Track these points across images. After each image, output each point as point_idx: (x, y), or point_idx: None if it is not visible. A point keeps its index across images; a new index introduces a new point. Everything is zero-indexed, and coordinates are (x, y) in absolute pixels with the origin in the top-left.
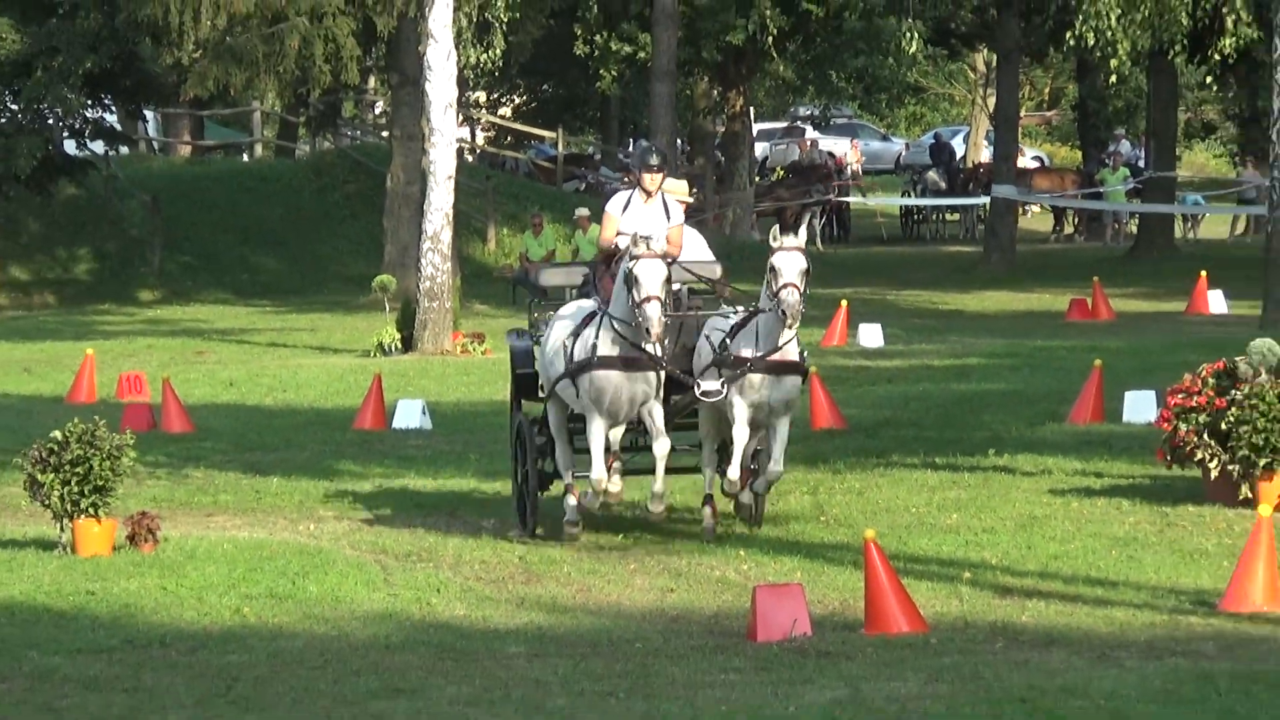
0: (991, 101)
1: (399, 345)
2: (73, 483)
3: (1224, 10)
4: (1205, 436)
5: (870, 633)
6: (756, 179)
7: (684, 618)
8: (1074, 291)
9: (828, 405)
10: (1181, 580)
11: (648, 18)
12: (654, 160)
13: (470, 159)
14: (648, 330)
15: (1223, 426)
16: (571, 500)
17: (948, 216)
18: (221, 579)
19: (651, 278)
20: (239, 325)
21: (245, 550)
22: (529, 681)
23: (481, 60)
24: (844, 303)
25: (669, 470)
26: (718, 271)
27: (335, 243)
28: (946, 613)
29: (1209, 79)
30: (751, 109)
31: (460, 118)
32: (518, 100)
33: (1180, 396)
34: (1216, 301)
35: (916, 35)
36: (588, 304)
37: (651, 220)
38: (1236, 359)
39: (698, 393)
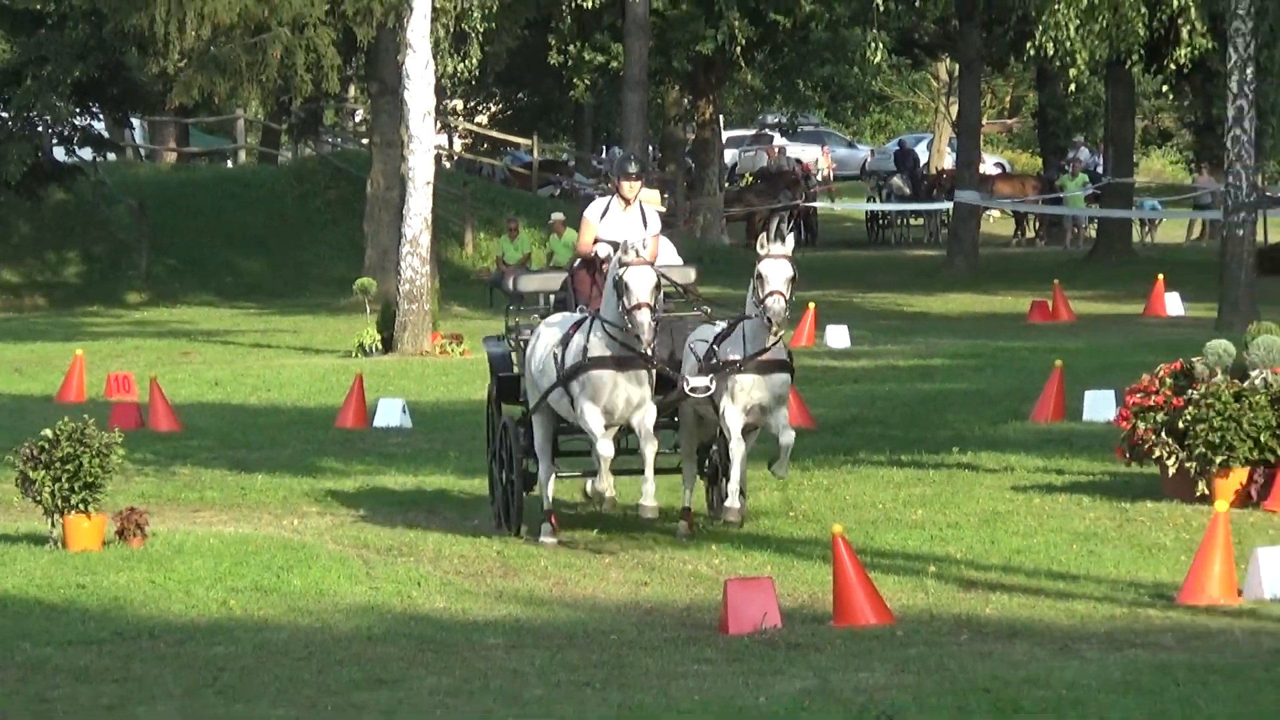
0: (954, 109)
1: (379, 346)
2: (63, 479)
3: (1179, 21)
4: (1163, 435)
5: (838, 625)
6: (726, 185)
7: (658, 610)
8: (1035, 294)
9: (796, 405)
10: (1140, 574)
11: (620, 28)
12: (632, 168)
13: (448, 165)
14: (639, 336)
15: (1180, 425)
16: (549, 529)
17: (912, 221)
18: (208, 573)
19: (642, 285)
20: (224, 327)
21: (231, 545)
22: (507, 672)
23: (458, 69)
24: (811, 305)
25: (657, 471)
26: (692, 276)
27: (317, 247)
28: (912, 605)
29: (1165, 88)
30: (721, 117)
31: (438, 125)
32: (494, 108)
33: (1139, 396)
34: (1173, 304)
35: (881, 45)
36: (573, 315)
37: (629, 227)
38: (1193, 359)
39: (686, 389)
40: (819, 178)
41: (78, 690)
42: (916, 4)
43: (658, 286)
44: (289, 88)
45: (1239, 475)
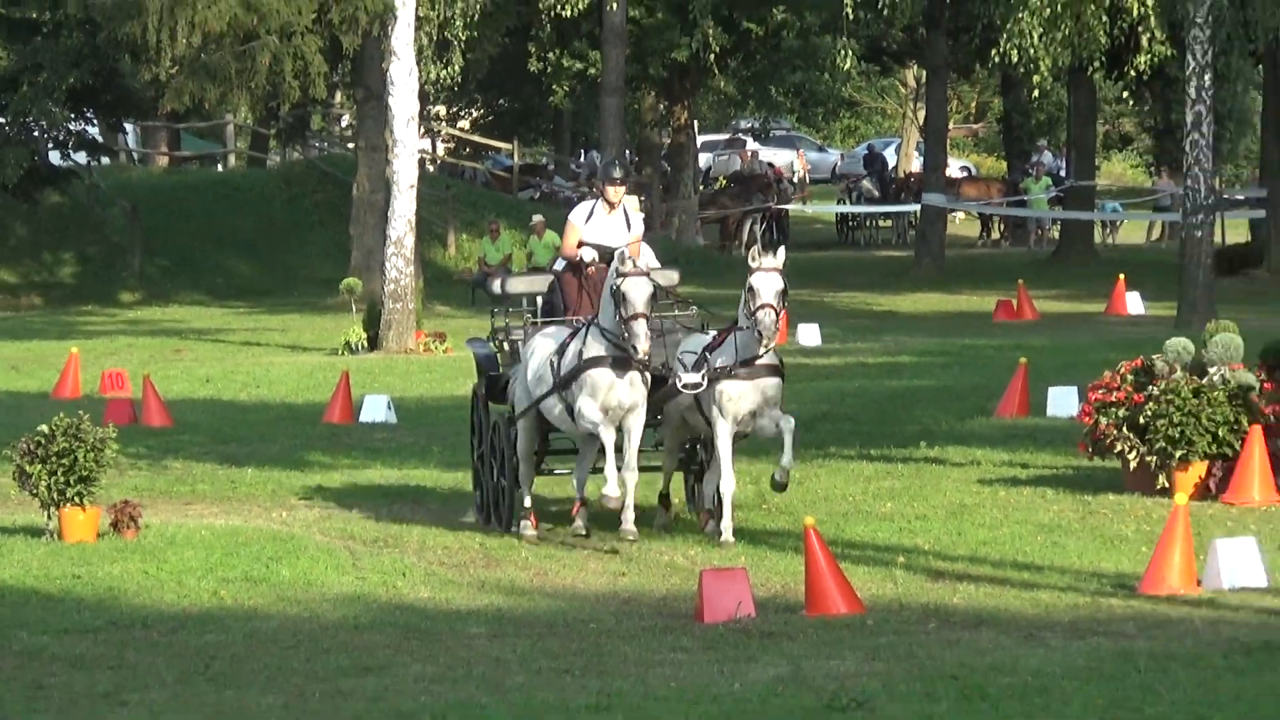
0: (921, 115)
1: (365, 344)
2: (59, 473)
3: (1140, 29)
4: (1124, 429)
5: (810, 614)
6: (700, 188)
7: (635, 600)
8: (1000, 293)
9: None
10: (1103, 565)
11: (598, 36)
12: (617, 173)
13: (431, 169)
14: (634, 346)
15: (1141, 420)
16: (528, 526)
17: (881, 223)
18: (200, 563)
19: (638, 295)
20: (214, 325)
21: (222, 536)
22: (489, 660)
23: (441, 76)
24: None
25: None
26: (675, 278)
27: (305, 248)
28: (882, 595)
29: (1126, 94)
30: (695, 122)
31: (421, 130)
32: (475, 114)
33: (1101, 392)
34: (1134, 303)
35: (850, 53)
36: (567, 327)
37: (613, 231)
38: (1153, 357)
39: (679, 385)
40: (795, 179)
41: (73, 677)
42: (885, 12)
43: (654, 297)
44: (277, 94)
45: (1198, 469)
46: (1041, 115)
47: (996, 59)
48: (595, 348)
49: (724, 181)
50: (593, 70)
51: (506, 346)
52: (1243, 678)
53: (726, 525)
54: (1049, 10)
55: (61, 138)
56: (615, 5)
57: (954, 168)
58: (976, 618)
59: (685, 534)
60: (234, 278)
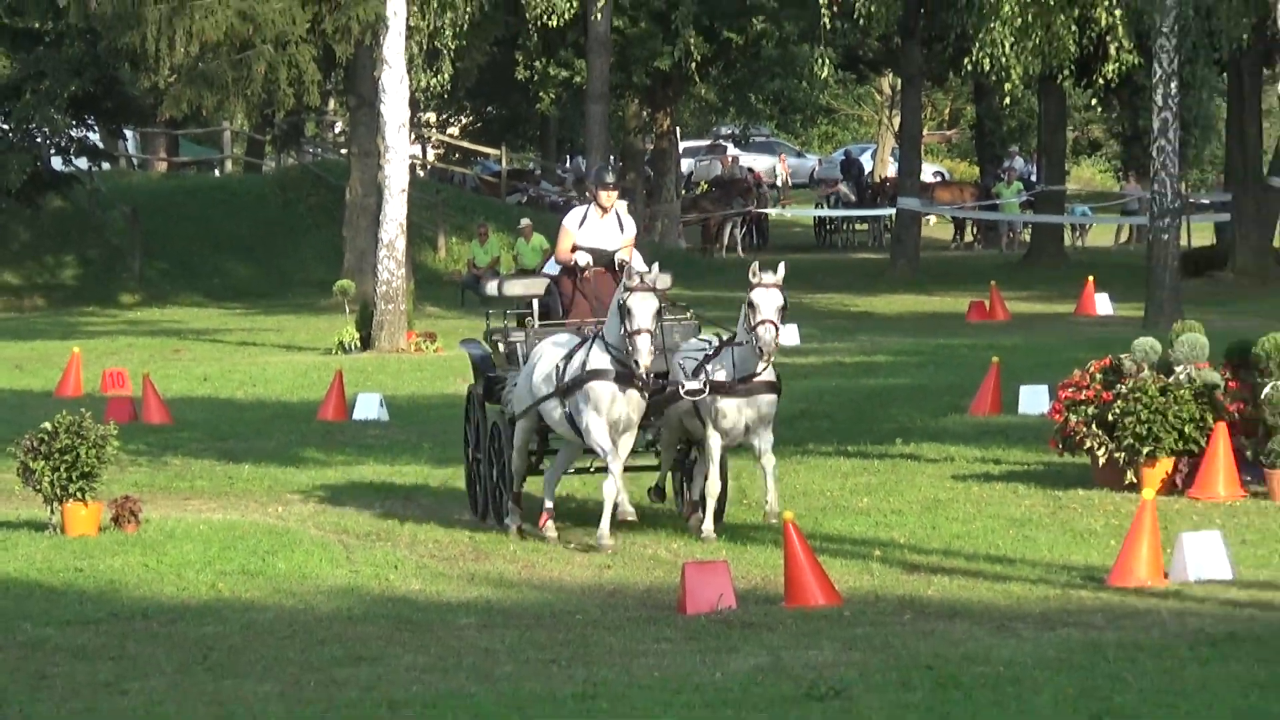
0: (896, 121)
1: (358, 344)
2: (62, 469)
3: (1108, 38)
4: (1093, 427)
5: (789, 606)
6: (683, 192)
7: (620, 592)
8: (973, 294)
9: None
10: (1072, 558)
11: (583, 45)
12: (609, 177)
13: (422, 174)
14: (637, 360)
15: (1109, 418)
16: (513, 510)
17: (858, 226)
18: (198, 557)
19: (644, 311)
20: (212, 326)
21: (219, 530)
22: (479, 650)
23: (431, 84)
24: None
25: (627, 469)
26: (668, 282)
27: (299, 251)
28: (859, 587)
29: (1094, 101)
30: (678, 128)
31: (412, 136)
32: (464, 120)
33: (1071, 390)
34: (1103, 304)
35: (828, 61)
36: (577, 336)
37: (606, 234)
38: (1122, 356)
39: (681, 391)
40: (778, 183)
41: (76, 668)
42: (861, 22)
43: (659, 313)
44: (272, 101)
45: (1165, 465)
46: (1013, 122)
47: (969, 67)
48: (599, 360)
49: (705, 186)
50: (578, 78)
51: (502, 348)
52: (1208, 667)
53: (708, 523)
54: (1020, 20)
55: (63, 144)
56: (600, 15)
57: (928, 173)
58: (950, 609)
59: (668, 528)
60: (231, 280)
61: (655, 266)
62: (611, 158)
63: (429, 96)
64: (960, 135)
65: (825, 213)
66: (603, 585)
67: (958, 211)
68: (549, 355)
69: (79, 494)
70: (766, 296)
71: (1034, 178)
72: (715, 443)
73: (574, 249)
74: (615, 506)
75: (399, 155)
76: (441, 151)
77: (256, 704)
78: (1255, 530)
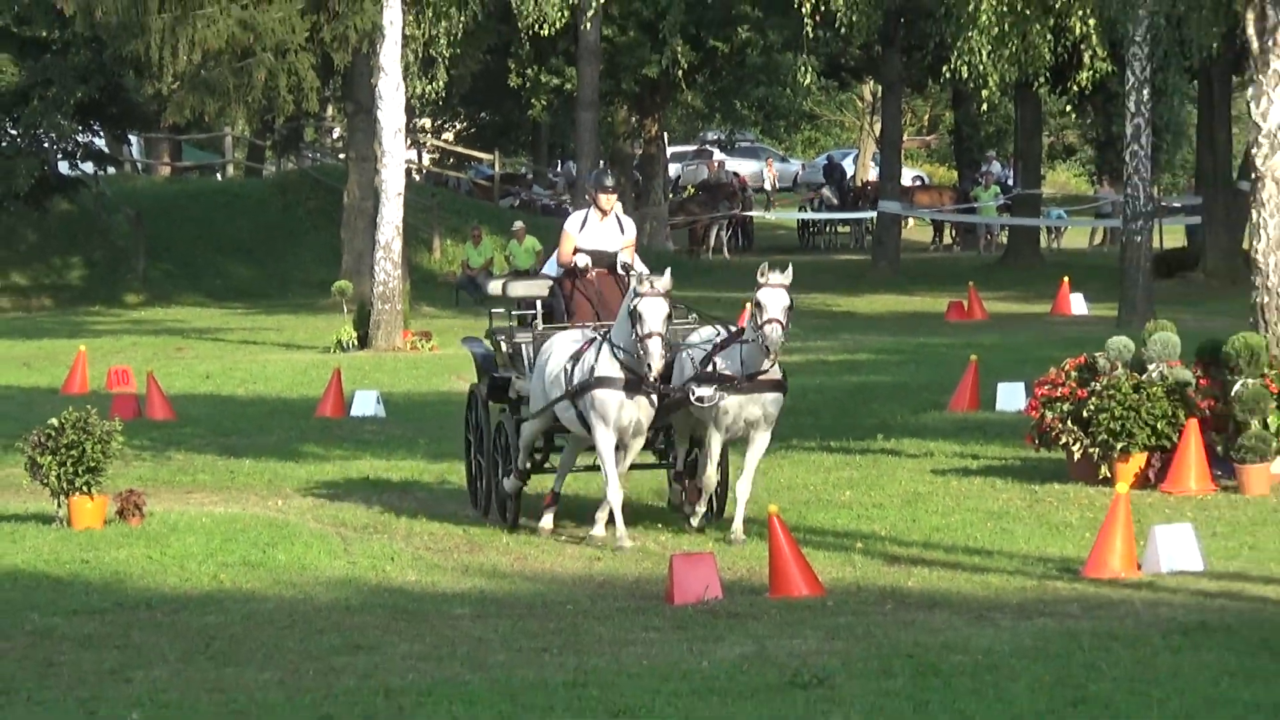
0: (877, 127)
1: (355, 343)
2: (68, 464)
3: (1082, 47)
4: (1069, 423)
5: (774, 596)
6: (670, 196)
7: (609, 583)
8: (952, 295)
9: None
10: (1049, 550)
11: (573, 54)
12: (609, 181)
13: (417, 178)
14: (649, 365)
15: (1084, 414)
16: (514, 482)
17: (840, 229)
18: (200, 549)
19: (654, 315)
20: (214, 325)
21: (221, 523)
22: (473, 639)
23: (427, 91)
24: (748, 305)
25: (633, 467)
26: (668, 283)
27: (298, 252)
28: (841, 578)
29: (1069, 107)
30: (665, 134)
31: (408, 141)
32: (459, 126)
33: (1047, 387)
34: (1077, 304)
35: (811, 69)
36: (587, 333)
37: (607, 236)
38: (1096, 354)
39: (692, 398)
40: (767, 187)
41: (82, 656)
42: (843, 31)
43: (669, 317)
44: (272, 107)
45: (1138, 460)
46: (990, 127)
47: (948, 75)
48: (607, 366)
49: (692, 190)
50: (569, 85)
51: (505, 347)
52: (1179, 656)
53: (700, 508)
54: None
55: (70, 149)
56: (590, 24)
57: (908, 177)
58: (930, 600)
59: (657, 521)
60: (232, 280)
61: (668, 272)
62: (602, 162)
63: (424, 103)
64: (939, 140)
65: (808, 215)
66: (593, 576)
67: (937, 214)
68: (559, 351)
69: (85, 488)
70: (773, 296)
71: (1011, 182)
72: (716, 440)
73: (575, 251)
74: (610, 516)
75: (395, 160)
76: (436, 156)
77: (257, 691)
78: (1225, 523)
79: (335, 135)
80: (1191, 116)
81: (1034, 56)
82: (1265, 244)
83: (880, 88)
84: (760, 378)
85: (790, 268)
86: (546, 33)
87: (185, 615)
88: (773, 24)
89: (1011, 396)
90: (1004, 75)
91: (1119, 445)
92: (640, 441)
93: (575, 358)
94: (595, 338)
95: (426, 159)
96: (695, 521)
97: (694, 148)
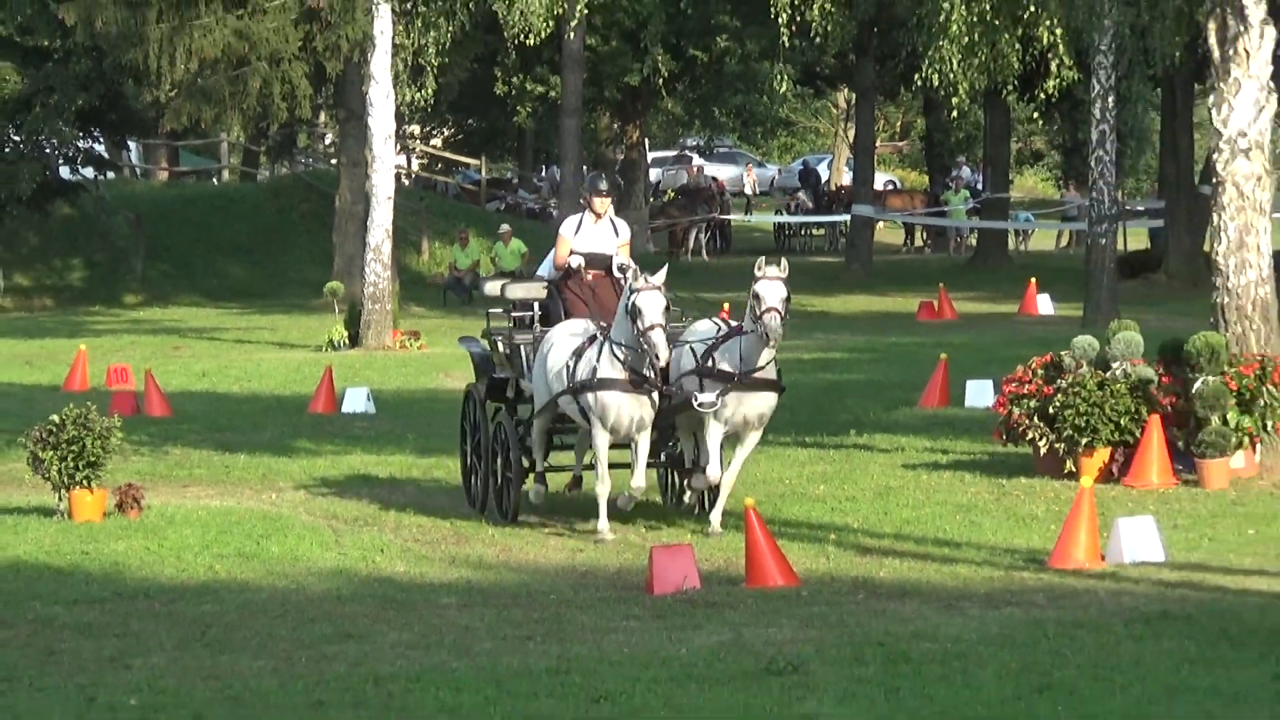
0: (851, 133)
1: (346, 341)
2: (69, 459)
3: (1049, 56)
4: (1035, 419)
5: (750, 586)
6: (651, 199)
7: (591, 573)
8: (922, 295)
9: None
10: (1015, 541)
11: (558, 62)
12: (603, 185)
13: (406, 183)
14: (656, 356)
15: (1050, 410)
16: (539, 490)
17: (815, 232)
18: (197, 540)
19: (653, 307)
20: (210, 324)
21: (217, 516)
22: (460, 628)
23: (416, 98)
24: (726, 305)
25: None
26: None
27: (292, 254)
28: (815, 569)
29: (1037, 114)
30: (646, 140)
31: (398, 147)
32: (447, 132)
33: (1014, 385)
34: (1044, 304)
35: (787, 77)
36: (591, 326)
37: (602, 239)
38: (1062, 353)
39: (695, 404)
40: (747, 191)
41: (82, 644)
42: (818, 41)
43: (668, 308)
44: (267, 114)
45: (1102, 454)
46: (960, 134)
47: (919, 83)
48: (609, 368)
49: (672, 194)
50: (553, 93)
51: (502, 347)
52: (1142, 643)
53: (696, 486)
54: (967, 39)
55: (71, 154)
56: (573, 34)
57: (881, 181)
58: (901, 589)
59: (637, 515)
60: (228, 281)
61: (664, 269)
62: (585, 167)
63: (413, 110)
64: (911, 146)
65: (784, 219)
66: (575, 567)
67: (908, 217)
68: (560, 348)
69: (85, 482)
70: (771, 288)
71: (980, 186)
72: (715, 430)
73: (571, 254)
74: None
75: (385, 165)
76: (425, 161)
77: (251, 678)
78: (1186, 515)
79: (327, 141)
80: (1155, 123)
81: (1003, 65)
82: (1226, 246)
83: (854, 95)
84: (757, 374)
85: (785, 261)
86: (532, 42)
87: (182, 605)
88: (750, 33)
89: (980, 394)
90: (973, 83)
91: (1084, 440)
92: (647, 435)
93: (578, 353)
94: (596, 334)
95: (415, 164)
96: (688, 498)
97: (674, 153)
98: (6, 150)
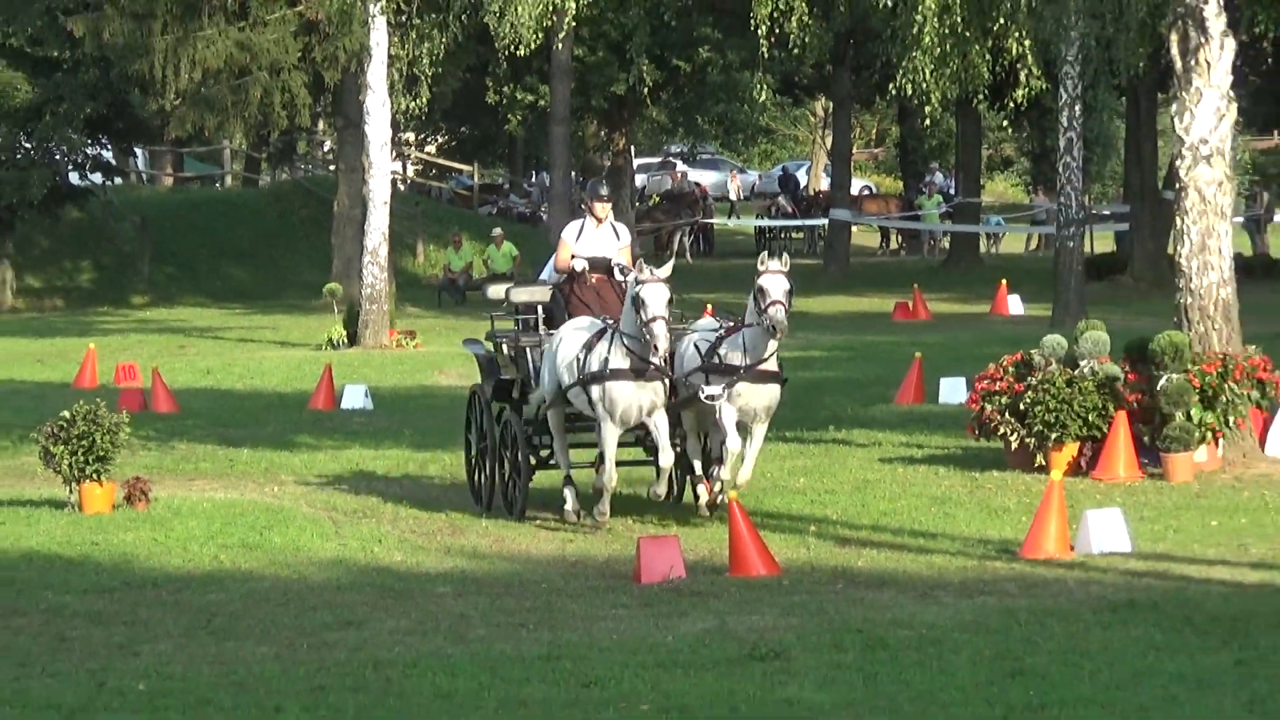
0: (829, 140)
1: (345, 341)
2: (79, 453)
3: (1018, 66)
4: (1007, 415)
5: (734, 575)
6: (636, 204)
7: (581, 563)
8: (898, 296)
9: None
10: (988, 532)
11: (547, 72)
12: (604, 190)
13: (402, 188)
14: (656, 346)
15: (1021, 406)
16: (571, 493)
17: (794, 235)
18: (202, 531)
19: (656, 300)
20: (214, 324)
21: (221, 508)
22: (455, 615)
23: (410, 107)
24: (709, 306)
25: (640, 463)
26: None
27: (292, 257)
28: (796, 559)
29: (1006, 122)
30: (632, 147)
31: (393, 154)
32: (440, 140)
33: (986, 382)
34: (1015, 305)
35: (767, 86)
36: (598, 323)
37: (603, 243)
38: (1032, 351)
39: (702, 396)
40: (731, 197)
41: (92, 631)
42: (796, 52)
43: (671, 301)
44: (268, 122)
45: (1071, 449)
46: (933, 141)
47: (894, 92)
48: (618, 359)
49: (657, 199)
50: (542, 102)
51: (506, 349)
52: (1109, 630)
53: (727, 471)
54: (939, 50)
55: (79, 160)
56: (562, 45)
57: (857, 187)
58: (879, 579)
59: (624, 505)
60: (231, 283)
61: (670, 264)
62: (573, 173)
63: (408, 118)
64: (886, 153)
65: (765, 223)
66: (566, 557)
67: (884, 221)
68: (570, 343)
69: (95, 475)
70: (774, 281)
71: (952, 191)
72: (729, 414)
73: (573, 258)
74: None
75: (382, 171)
76: (420, 167)
77: (255, 664)
78: (1152, 508)
79: (326, 148)
80: (1120, 131)
81: (974, 75)
82: (1188, 249)
83: (831, 104)
84: (762, 367)
85: (787, 256)
86: (522, 53)
87: (188, 594)
88: (731, 45)
89: (953, 390)
90: (946, 92)
91: (1053, 435)
92: (661, 414)
93: (588, 347)
94: (605, 328)
95: (410, 170)
96: (702, 503)
97: (658, 160)
98: (18, 157)
